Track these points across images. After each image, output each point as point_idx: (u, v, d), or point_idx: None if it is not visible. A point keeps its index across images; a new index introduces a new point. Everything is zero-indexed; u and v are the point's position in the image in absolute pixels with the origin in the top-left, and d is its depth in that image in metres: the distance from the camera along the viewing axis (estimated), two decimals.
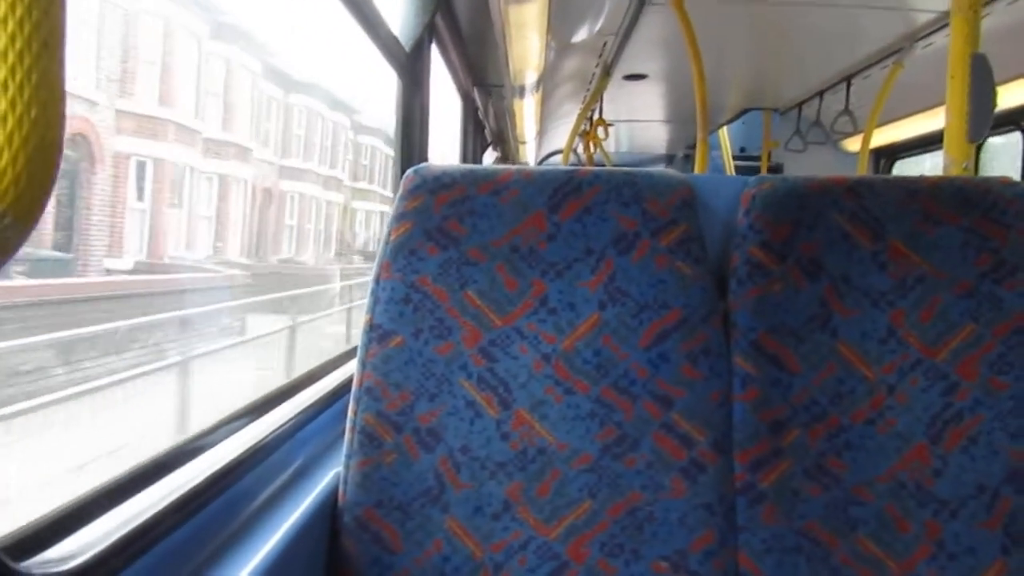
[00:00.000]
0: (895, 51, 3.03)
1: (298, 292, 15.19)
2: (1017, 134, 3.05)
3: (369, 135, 26.25)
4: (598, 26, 2.95)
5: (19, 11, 0.37)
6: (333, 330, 13.42)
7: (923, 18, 2.68)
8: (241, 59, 18.34)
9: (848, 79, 3.49)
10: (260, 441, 1.05)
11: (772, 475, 1.02)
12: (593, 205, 1.07)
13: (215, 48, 17.11)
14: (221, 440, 1.03)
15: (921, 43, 2.87)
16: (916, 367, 1.03)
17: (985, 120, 1.32)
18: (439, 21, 2.27)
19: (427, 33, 2.05)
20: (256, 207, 19.51)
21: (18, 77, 0.37)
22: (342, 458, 1.05)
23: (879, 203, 1.07)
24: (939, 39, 2.75)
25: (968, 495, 1.00)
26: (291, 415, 1.18)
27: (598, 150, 4.91)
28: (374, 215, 26.48)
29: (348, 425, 1.05)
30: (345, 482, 1.04)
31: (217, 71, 17.39)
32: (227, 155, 17.82)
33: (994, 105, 1.32)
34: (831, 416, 1.02)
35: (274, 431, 1.10)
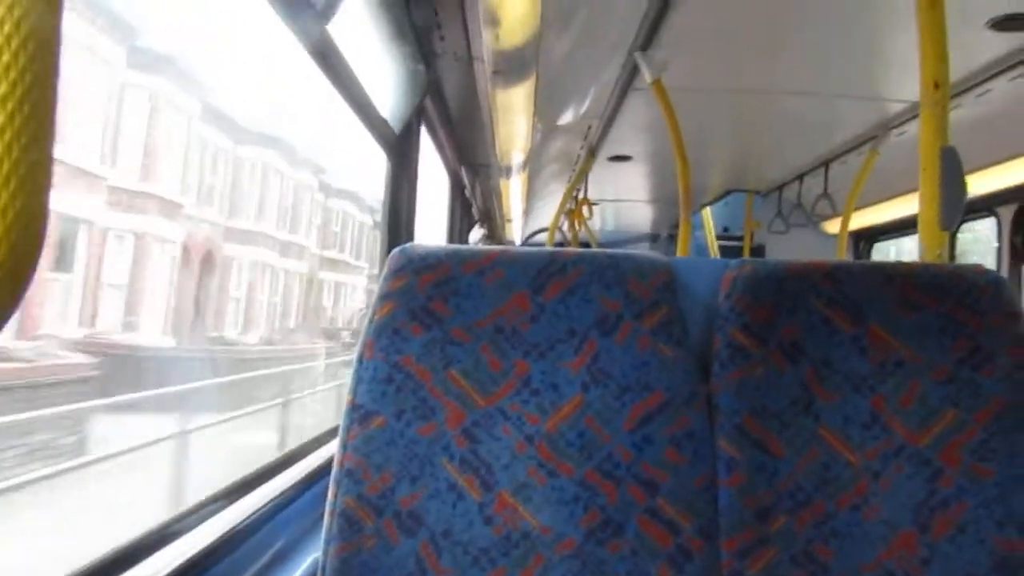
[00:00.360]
0: (870, 138, 3.12)
1: (208, 384, 11.71)
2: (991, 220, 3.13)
3: (340, 198, 25.03)
4: (583, 110, 3.03)
5: (4, 87, 0.36)
6: (242, 441, 9.37)
7: (896, 108, 2.78)
8: (172, 95, 15.89)
9: (826, 164, 3.59)
10: (237, 525, 1.02)
11: (759, 563, 1.00)
12: (576, 286, 1.08)
13: (134, 78, 14.40)
14: (196, 525, 1.00)
15: (895, 131, 2.97)
16: (900, 453, 1.03)
17: (957, 210, 1.35)
18: (428, 103, 2.33)
19: (416, 115, 2.10)
20: (190, 274, 17.08)
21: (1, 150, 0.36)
22: (321, 543, 1.03)
23: (857, 288, 1.09)
24: (912, 127, 2.85)
25: None
26: (271, 497, 1.15)
27: (583, 229, 4.97)
28: (345, 287, 25.22)
29: (328, 508, 1.03)
30: (324, 569, 1.01)
31: (136, 107, 14.75)
32: (145, 209, 15.20)
33: (965, 196, 1.35)
34: (817, 502, 1.01)
35: (252, 515, 1.07)
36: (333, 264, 24.66)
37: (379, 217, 2.02)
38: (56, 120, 0.39)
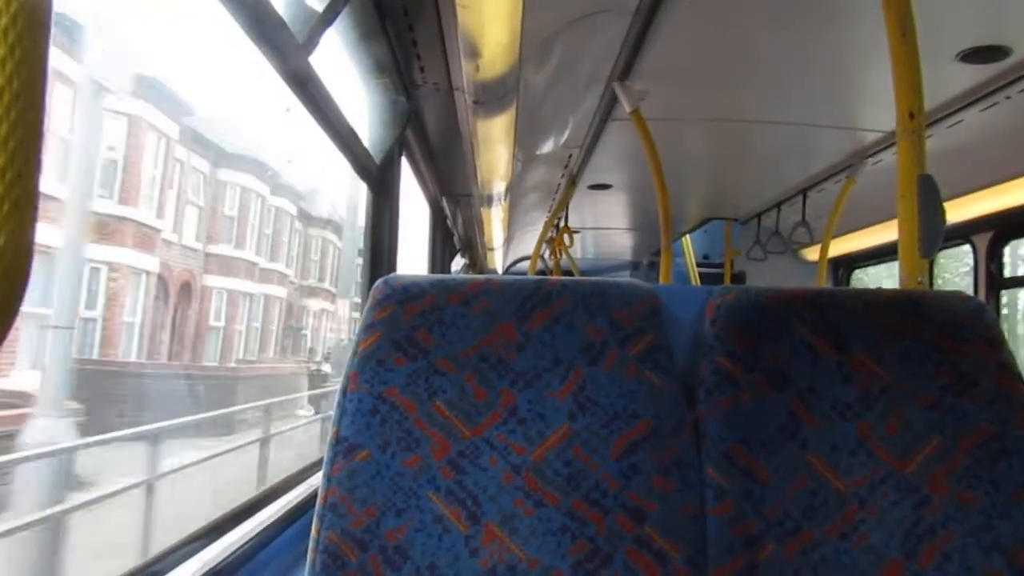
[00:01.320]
0: (847, 167, 3.17)
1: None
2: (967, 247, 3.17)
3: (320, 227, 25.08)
4: (563, 139, 3.05)
5: None
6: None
7: (871, 137, 2.83)
8: (147, 113, 15.05)
9: (804, 192, 3.63)
10: (219, 564, 1.00)
11: None
12: (561, 315, 1.08)
13: (112, 102, 12.92)
14: (176, 565, 0.98)
15: (871, 160, 3.02)
16: (887, 480, 1.03)
17: (935, 237, 1.37)
18: (409, 134, 2.33)
19: (397, 146, 2.11)
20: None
21: None
22: None
23: (840, 315, 1.09)
24: (888, 156, 2.89)
25: None
26: (252, 534, 1.13)
27: (565, 257, 4.99)
28: (326, 316, 25.28)
29: (311, 544, 1.00)
30: None
31: (111, 127, 13.59)
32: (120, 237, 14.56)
33: (943, 222, 1.37)
34: (805, 530, 1.01)
35: (234, 552, 1.05)
36: (313, 291, 24.78)
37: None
38: (42, 156, 0.38)
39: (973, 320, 1.09)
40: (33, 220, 0.39)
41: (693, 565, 1.00)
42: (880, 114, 2.54)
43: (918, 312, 1.10)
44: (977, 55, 2.01)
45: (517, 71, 1.86)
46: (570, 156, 3.31)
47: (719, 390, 1.06)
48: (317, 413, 15.27)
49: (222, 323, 19.66)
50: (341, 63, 1.89)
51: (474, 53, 1.69)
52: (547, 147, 3.15)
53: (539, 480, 1.01)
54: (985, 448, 1.03)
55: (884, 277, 4.57)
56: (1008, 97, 2.23)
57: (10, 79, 0.36)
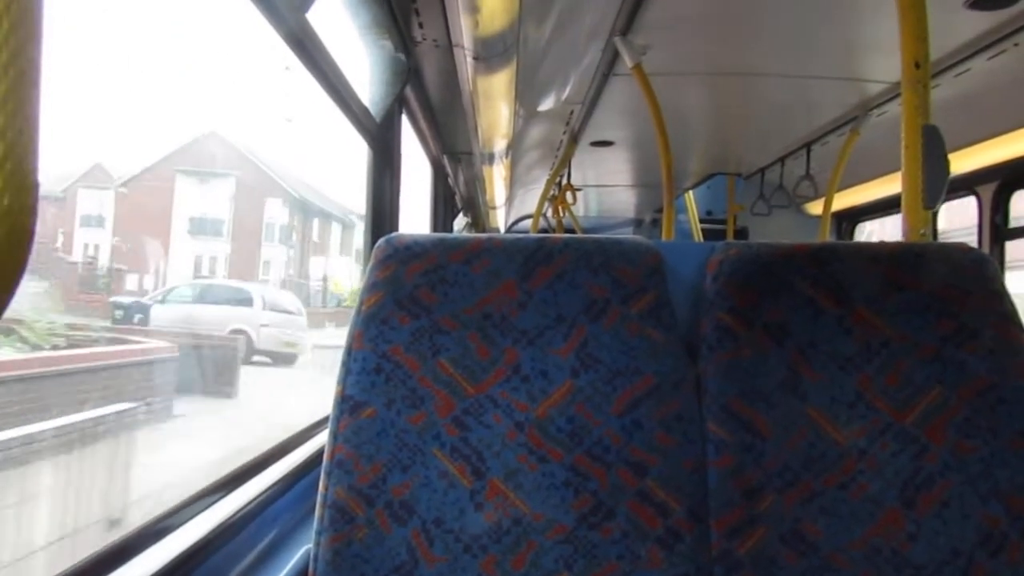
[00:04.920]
0: (851, 119, 3.14)
1: None
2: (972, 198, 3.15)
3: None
4: (565, 95, 3.02)
5: None
6: None
7: (875, 88, 2.79)
8: None
9: (808, 145, 3.60)
10: (229, 519, 1.02)
11: (749, 542, 1.01)
12: (564, 272, 1.08)
13: None
14: (188, 519, 1.00)
15: (875, 111, 2.99)
16: (886, 431, 1.04)
17: (939, 188, 1.36)
18: (409, 92, 2.31)
19: (397, 104, 2.09)
20: None
21: None
22: (312, 534, 1.02)
23: (842, 269, 1.09)
24: (892, 108, 2.86)
25: (943, 560, 1.00)
26: (261, 491, 1.15)
27: (567, 215, 4.97)
28: None
29: (319, 500, 1.02)
30: (316, 559, 1.01)
31: None
32: None
33: (947, 174, 1.36)
34: (804, 481, 1.02)
35: (243, 508, 1.07)
36: None
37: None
38: (39, 143, 0.38)
39: (976, 271, 1.09)
40: (34, 205, 0.38)
41: (694, 517, 1.02)
42: (885, 64, 2.51)
43: (920, 265, 1.10)
44: (987, 1, 1.98)
45: (517, 26, 1.84)
46: (571, 112, 3.28)
47: (720, 345, 1.07)
48: None
49: None
50: (339, 20, 1.86)
51: (473, 8, 1.67)
52: (548, 104, 3.13)
53: (542, 436, 1.03)
54: (984, 397, 1.04)
55: (875, 234, 4.55)
56: (1016, 44, 2.19)
57: (4, 68, 0.35)
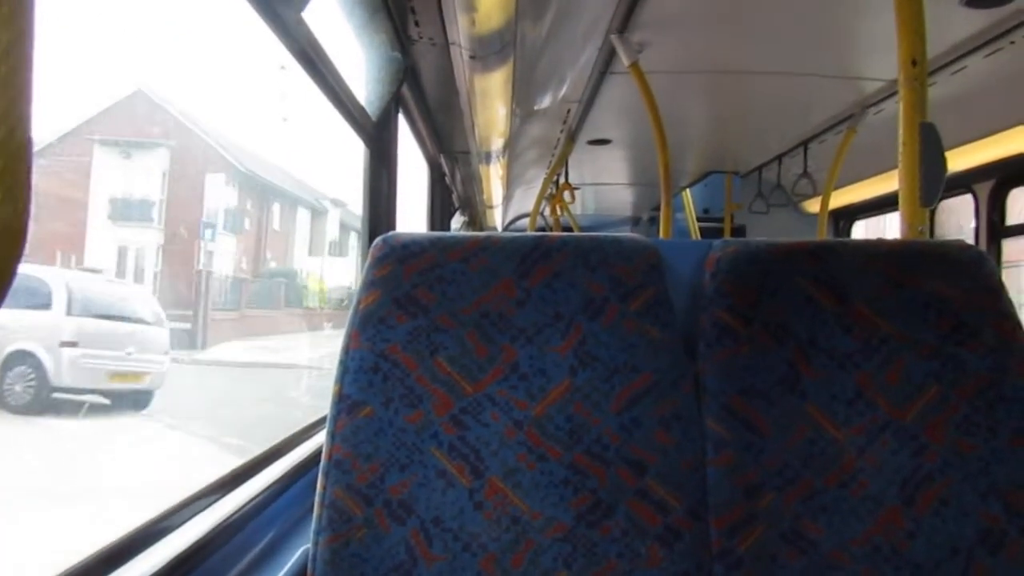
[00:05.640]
0: (848, 117, 3.14)
1: None
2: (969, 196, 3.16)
3: None
4: (562, 93, 3.02)
5: None
6: None
7: (872, 87, 2.80)
8: None
9: (805, 144, 3.61)
10: (227, 519, 1.02)
11: (749, 540, 1.01)
12: (561, 271, 1.08)
13: None
14: (186, 520, 1.00)
15: (872, 109, 2.99)
16: (885, 429, 1.04)
17: (937, 186, 1.36)
18: (405, 91, 2.31)
19: (394, 103, 2.08)
20: None
21: None
22: (311, 534, 1.02)
23: (841, 267, 1.09)
24: (889, 106, 2.87)
25: (942, 558, 1.00)
26: (259, 491, 1.15)
27: (564, 214, 4.97)
28: None
29: (317, 500, 1.02)
30: (314, 559, 1.01)
31: None
32: None
33: (944, 171, 1.36)
34: (804, 479, 1.02)
35: (241, 508, 1.07)
36: None
37: None
38: (32, 142, 0.37)
39: (973, 269, 1.09)
40: (28, 201, 0.38)
41: (694, 515, 1.01)
42: (882, 62, 2.51)
43: (918, 262, 1.10)
44: None
45: (514, 24, 1.84)
46: (568, 111, 3.28)
47: (719, 343, 1.07)
48: None
49: None
50: (335, 19, 1.86)
51: (469, 7, 1.66)
52: (545, 102, 3.12)
53: (541, 435, 1.02)
54: (984, 395, 1.04)
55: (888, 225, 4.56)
56: (1012, 42, 2.19)
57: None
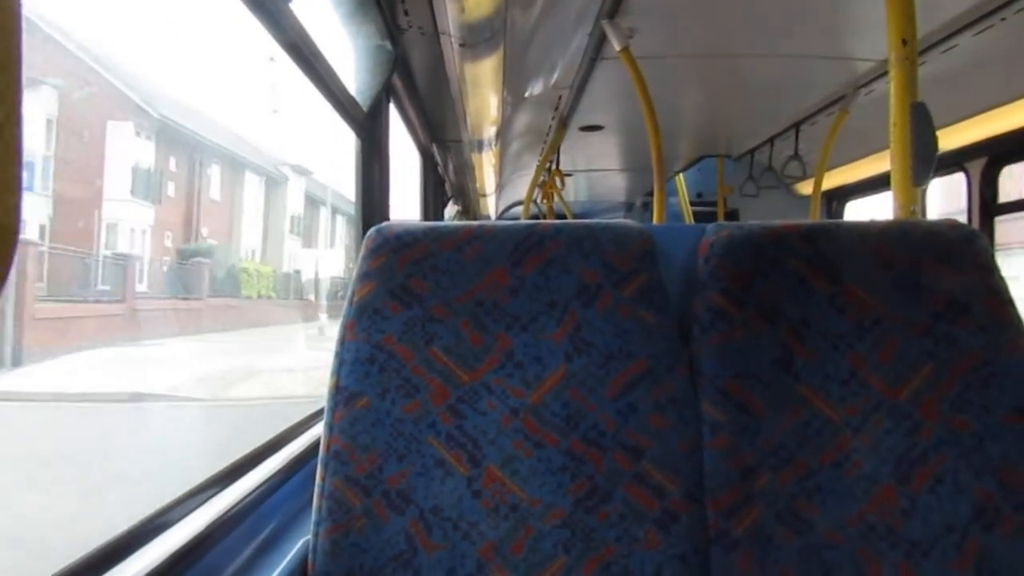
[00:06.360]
0: (839, 98, 3.14)
1: None
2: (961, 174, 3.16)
3: None
4: (553, 80, 3.01)
5: None
6: None
7: (863, 67, 2.79)
8: None
9: (797, 126, 3.61)
10: (227, 512, 1.02)
11: (745, 521, 1.01)
12: (555, 258, 1.08)
13: None
14: (186, 514, 1.00)
15: (864, 90, 2.99)
16: (879, 408, 1.04)
17: (928, 165, 1.36)
18: (396, 80, 2.30)
19: (384, 92, 2.08)
20: None
21: None
22: (311, 526, 1.02)
23: (833, 248, 1.09)
24: (880, 86, 2.86)
25: (938, 536, 1.00)
26: (258, 483, 1.15)
27: (557, 200, 4.97)
28: None
29: (316, 491, 1.02)
30: (315, 551, 1.01)
31: None
32: None
33: (936, 150, 1.36)
34: (799, 460, 1.03)
35: (241, 501, 1.07)
36: None
37: None
38: (23, 145, 0.37)
39: (966, 247, 1.10)
40: (18, 201, 0.37)
41: (691, 498, 1.02)
42: (873, 42, 2.51)
43: (910, 241, 1.10)
44: None
45: (503, 11, 1.83)
46: (560, 97, 3.27)
47: (713, 327, 1.07)
48: None
49: None
50: (323, 9, 1.85)
51: None
52: (536, 89, 3.11)
53: (538, 422, 1.03)
54: (977, 373, 1.04)
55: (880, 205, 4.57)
56: (1003, 19, 2.19)
57: None
